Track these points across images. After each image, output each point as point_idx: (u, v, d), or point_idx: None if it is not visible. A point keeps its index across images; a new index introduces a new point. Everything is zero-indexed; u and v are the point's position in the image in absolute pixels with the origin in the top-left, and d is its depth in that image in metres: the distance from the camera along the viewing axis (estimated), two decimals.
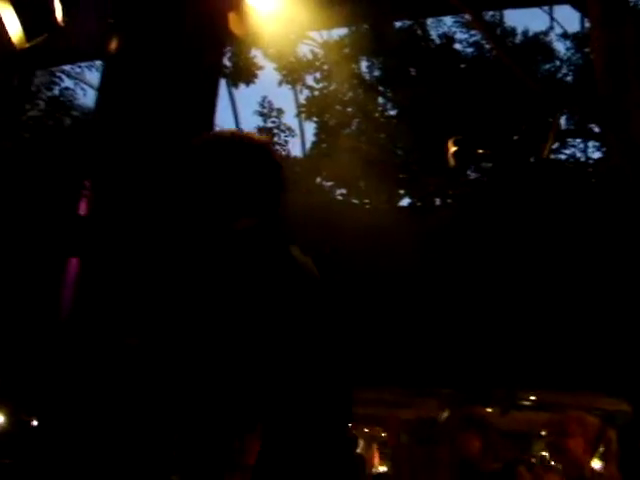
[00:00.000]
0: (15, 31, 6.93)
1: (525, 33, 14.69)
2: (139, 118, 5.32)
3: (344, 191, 13.80)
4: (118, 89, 5.53)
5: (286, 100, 16.80)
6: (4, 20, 6.84)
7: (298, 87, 12.19)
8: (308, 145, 16.26)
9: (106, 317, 4.88)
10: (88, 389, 4.45)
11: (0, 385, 15.92)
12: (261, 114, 15.47)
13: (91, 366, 4.67)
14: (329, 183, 13.54)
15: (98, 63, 15.57)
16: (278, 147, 14.96)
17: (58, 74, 15.78)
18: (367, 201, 13.62)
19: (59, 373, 4.48)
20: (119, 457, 4.44)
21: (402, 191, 13.56)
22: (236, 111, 17.30)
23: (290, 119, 16.45)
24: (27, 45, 6.99)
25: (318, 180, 13.49)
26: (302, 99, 12.43)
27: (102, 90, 6.55)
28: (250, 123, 16.06)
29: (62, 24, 6.93)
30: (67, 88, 16.06)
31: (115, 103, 5.49)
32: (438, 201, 13.83)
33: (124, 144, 5.32)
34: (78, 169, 6.39)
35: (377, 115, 12.38)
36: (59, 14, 6.95)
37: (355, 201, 13.83)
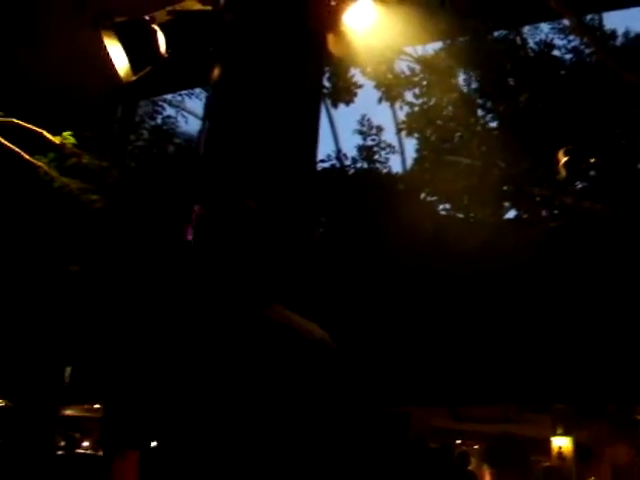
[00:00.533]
0: (122, 65, 7.14)
1: (626, 34, 14.24)
2: (245, 143, 5.36)
3: (448, 206, 13.67)
4: (223, 115, 5.60)
5: (385, 117, 16.78)
6: (112, 56, 7.07)
7: (398, 104, 12.13)
8: (409, 161, 16.20)
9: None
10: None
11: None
12: (361, 132, 15.52)
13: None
14: (433, 198, 13.43)
15: (197, 90, 15.94)
16: (379, 165, 14.99)
17: (160, 103, 16.23)
18: (472, 215, 13.43)
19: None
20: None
21: (507, 203, 13.30)
22: (335, 131, 17.42)
23: (390, 136, 16.44)
24: (134, 78, 7.19)
25: (422, 196, 13.42)
26: (402, 115, 12.38)
27: (207, 117, 6.67)
28: (349, 142, 16.12)
29: (166, 55, 7.10)
30: (169, 116, 16.50)
31: (221, 129, 5.56)
32: (545, 212, 13.51)
33: (231, 169, 5.37)
34: (185, 196, 6.52)
35: (478, 128, 12.20)
36: (163, 46, 7.13)
37: (460, 215, 13.66)
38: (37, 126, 6.01)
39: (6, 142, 6.01)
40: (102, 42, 7.24)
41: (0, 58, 6.80)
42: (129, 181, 6.20)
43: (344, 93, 10.01)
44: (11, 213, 10.92)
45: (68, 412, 17.78)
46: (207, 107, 8.91)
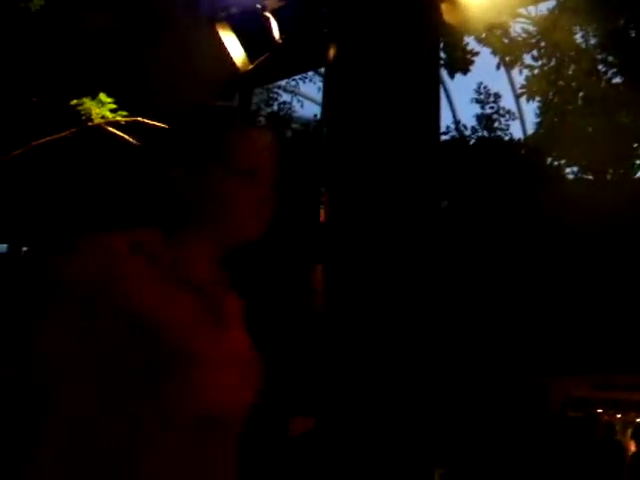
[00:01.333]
0: (239, 55, 7.25)
1: None
2: (367, 121, 5.33)
3: (576, 169, 13.26)
4: (342, 95, 5.58)
5: (502, 84, 16.40)
6: (228, 47, 7.17)
7: (516, 68, 11.80)
8: (529, 127, 15.79)
9: (354, 322, 4.93)
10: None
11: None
12: (478, 101, 15.24)
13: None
14: (560, 162, 13.04)
15: (311, 74, 15.99)
16: (500, 132, 14.70)
17: (275, 90, 16.38)
18: (601, 176, 12.98)
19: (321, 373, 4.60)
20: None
21: (638, 161, 12.76)
22: (452, 103, 17.17)
23: (508, 102, 16.07)
24: (251, 67, 7.28)
25: (548, 161, 13.06)
26: (520, 80, 12.04)
27: (326, 98, 6.69)
28: (467, 112, 15.88)
29: (280, 42, 7.16)
30: (285, 102, 16.63)
31: (340, 109, 5.55)
32: None
33: (355, 149, 5.35)
34: (314, 179, 6.59)
35: (602, 85, 11.72)
36: (276, 32, 7.19)
37: (589, 177, 13.23)
38: (160, 123, 6.16)
39: (133, 140, 6.21)
40: (217, 35, 7.36)
41: (123, 60, 7.02)
42: None
43: (460, 63, 9.81)
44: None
45: None
46: (325, 89, 8.96)
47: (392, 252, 5.09)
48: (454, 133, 15.43)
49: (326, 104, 7.16)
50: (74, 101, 5.98)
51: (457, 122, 15.70)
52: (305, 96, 17.03)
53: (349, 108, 5.43)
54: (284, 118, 16.12)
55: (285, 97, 16.64)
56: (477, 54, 9.90)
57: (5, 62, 6.02)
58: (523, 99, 12.86)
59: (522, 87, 11.75)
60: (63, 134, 6.08)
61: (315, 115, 15.89)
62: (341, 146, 5.39)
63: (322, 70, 14.01)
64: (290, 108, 16.51)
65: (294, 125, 16.11)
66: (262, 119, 15.70)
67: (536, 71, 11.40)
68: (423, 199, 5.43)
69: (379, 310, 4.88)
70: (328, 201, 5.31)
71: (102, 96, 6.01)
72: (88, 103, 6.00)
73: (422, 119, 5.50)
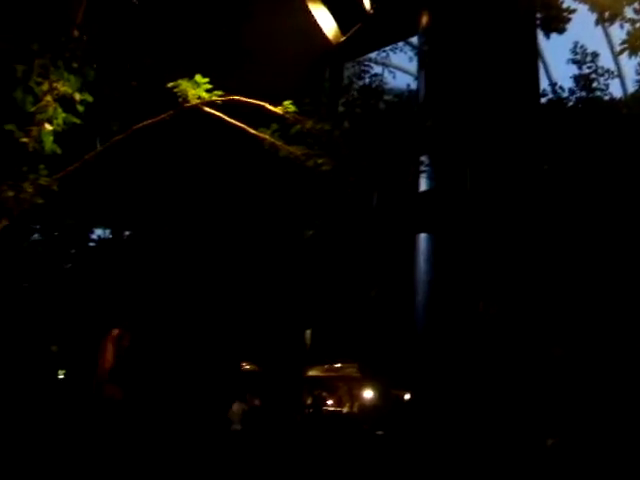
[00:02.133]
0: (330, 28, 7.20)
1: None
2: (465, 85, 5.23)
3: None
4: (438, 61, 5.49)
5: (598, 42, 15.76)
6: (320, 21, 7.13)
7: (617, 23, 11.28)
8: (629, 84, 15.14)
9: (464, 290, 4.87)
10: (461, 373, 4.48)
11: (370, 361, 16.92)
12: (575, 61, 14.67)
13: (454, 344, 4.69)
14: None
15: (400, 45, 15.76)
16: (599, 92, 14.14)
17: (366, 63, 16.23)
18: None
19: (430, 352, 4.58)
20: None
21: None
22: (546, 65, 16.63)
23: (605, 61, 15.45)
24: (343, 38, 7.23)
25: None
26: (622, 35, 11.50)
27: (422, 66, 6.59)
28: (564, 73, 15.33)
29: (371, 12, 7.08)
30: (376, 75, 16.46)
31: (437, 75, 5.46)
32: None
33: (453, 113, 5.26)
34: (410, 148, 6.51)
35: None
36: (367, 2, 7.10)
37: None
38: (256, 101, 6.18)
39: (231, 120, 6.25)
40: (308, 8, 7.32)
41: (217, 39, 7.06)
42: (350, 141, 6.23)
43: (556, 21, 9.43)
44: (241, 188, 11.44)
45: (312, 373, 18.52)
46: (420, 56, 8.83)
47: (501, 218, 5.00)
48: (551, 95, 14.95)
49: (422, 71, 7.06)
50: (170, 83, 6.06)
51: (554, 84, 15.18)
52: (396, 67, 16.80)
53: (445, 72, 5.34)
54: (376, 90, 15.94)
55: (376, 69, 16.45)
56: (574, 11, 9.50)
57: (107, 48, 6.14)
58: (623, 56, 12.31)
59: (623, 43, 11.25)
60: (161, 117, 6.17)
61: (408, 85, 15.67)
62: (441, 113, 5.31)
63: (413, 40, 13.81)
64: (382, 80, 16.31)
65: (387, 97, 15.93)
66: (354, 93, 15.60)
67: (638, 24, 10.88)
68: (525, 163, 5.30)
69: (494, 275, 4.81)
70: (430, 169, 5.26)
71: (198, 77, 6.06)
72: (184, 85, 6.07)
73: (520, 82, 5.36)
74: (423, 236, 7.41)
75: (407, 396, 12.71)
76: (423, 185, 7.53)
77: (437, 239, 7.19)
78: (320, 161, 6.11)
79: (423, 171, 6.85)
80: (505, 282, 7.75)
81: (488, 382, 7.78)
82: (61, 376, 19.11)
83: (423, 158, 6.50)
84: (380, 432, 9.76)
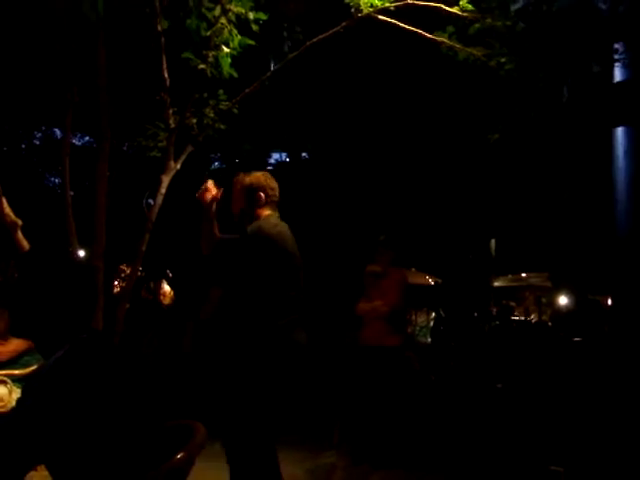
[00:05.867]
0: None
1: None
2: None
3: None
4: None
5: None
6: None
7: None
8: None
9: None
10: None
11: (562, 269, 16.44)
12: None
13: None
14: None
15: None
16: None
17: None
18: None
19: None
20: None
21: None
22: None
23: None
24: None
25: None
26: None
27: None
28: None
29: None
30: None
31: None
32: None
33: None
34: (605, 33, 6.04)
35: None
36: None
37: None
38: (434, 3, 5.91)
39: (406, 26, 6.01)
40: None
41: None
42: (533, 36, 5.84)
43: None
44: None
45: (498, 283, 18.21)
46: None
47: None
48: None
49: None
50: None
51: None
52: None
53: None
54: None
55: None
56: None
57: None
58: None
59: None
60: (335, 29, 6.02)
61: None
62: None
63: None
64: None
65: None
66: None
67: None
68: None
69: None
70: (626, 56, 4.84)
71: None
72: None
73: None
74: (621, 130, 6.93)
75: (608, 301, 12.20)
76: (618, 75, 7.01)
77: (637, 132, 6.67)
78: (503, 60, 5.78)
79: (618, 60, 6.34)
80: None
81: None
82: None
83: (617, 46, 6.02)
84: (578, 339, 9.41)
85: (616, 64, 6.55)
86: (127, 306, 5.80)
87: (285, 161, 19.45)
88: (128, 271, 7.69)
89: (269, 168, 19.21)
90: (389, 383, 6.99)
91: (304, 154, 18.51)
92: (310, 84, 12.54)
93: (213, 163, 19.09)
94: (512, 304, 18.18)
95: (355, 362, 7.29)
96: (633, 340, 7.42)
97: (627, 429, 6.83)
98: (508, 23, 5.72)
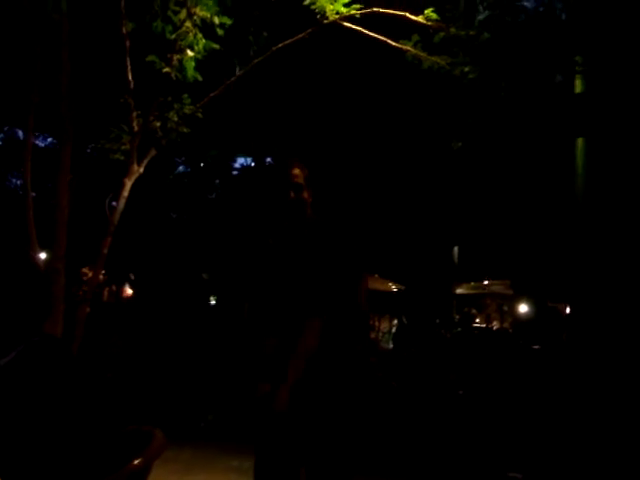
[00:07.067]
0: None
1: None
2: None
3: None
4: None
5: None
6: None
7: None
8: None
9: None
10: None
11: (523, 277, 16.61)
12: None
13: None
14: None
15: None
16: None
17: None
18: None
19: None
20: None
21: None
22: None
23: None
24: None
25: None
26: None
27: None
28: None
29: None
30: None
31: None
32: None
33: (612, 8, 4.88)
34: (566, 45, 6.14)
35: None
36: None
37: None
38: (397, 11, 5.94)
39: (371, 33, 6.04)
40: None
41: None
42: (496, 46, 5.91)
43: None
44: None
45: (460, 290, 18.37)
46: None
47: None
48: None
49: None
50: (307, 0, 5.89)
51: None
52: None
53: None
54: None
55: None
56: None
57: None
58: None
59: None
60: (300, 35, 6.03)
61: None
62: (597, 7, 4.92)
63: None
64: None
65: (526, 3, 15.10)
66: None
67: None
68: None
69: None
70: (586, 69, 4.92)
71: None
72: (321, 0, 5.87)
73: None
74: (582, 140, 7.02)
75: (567, 309, 12.37)
76: (579, 87, 7.12)
77: (596, 143, 6.77)
78: (467, 69, 5.83)
79: (578, 71, 6.43)
80: None
81: None
82: (213, 302, 19.82)
83: (577, 58, 6.11)
84: (537, 346, 9.54)
85: (577, 75, 6.66)
86: (88, 310, 5.74)
87: (250, 166, 19.42)
88: (90, 274, 7.61)
89: (234, 173, 19.16)
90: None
91: (269, 159, 18.50)
92: (276, 89, 12.54)
93: (177, 167, 19.02)
94: (474, 311, 18.34)
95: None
96: (590, 348, 7.52)
97: (584, 435, 6.92)
98: (472, 33, 5.78)
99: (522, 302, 16.82)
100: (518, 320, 16.55)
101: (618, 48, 5.20)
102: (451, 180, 14.95)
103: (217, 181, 19.40)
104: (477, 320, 18.85)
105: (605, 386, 7.16)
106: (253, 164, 19.14)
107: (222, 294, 18.49)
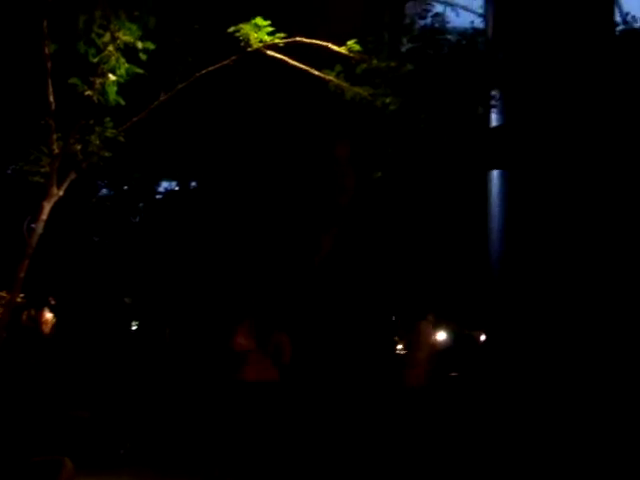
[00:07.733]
0: None
1: None
2: (534, 16, 5.03)
3: None
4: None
5: None
6: None
7: None
8: None
9: None
10: None
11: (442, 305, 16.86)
12: None
13: None
14: None
15: None
16: None
17: (428, 2, 15.76)
18: None
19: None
20: None
21: None
22: None
23: None
24: None
25: None
26: None
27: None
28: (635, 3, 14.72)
29: None
30: (438, 14, 15.97)
31: (508, 7, 5.25)
32: None
33: (526, 47, 5.07)
34: (477, 85, 6.32)
35: None
36: None
37: None
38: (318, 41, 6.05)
39: (294, 62, 6.13)
40: None
41: None
42: (417, 78, 6.07)
43: None
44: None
45: None
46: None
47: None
48: (622, 26, 14.36)
49: (490, 4, 6.83)
50: (232, 28, 5.95)
51: (625, 14, 14.60)
52: (459, 5, 16.31)
53: (516, 6, 5.13)
54: (439, 30, 15.51)
55: (438, 8, 15.98)
56: None
57: None
58: None
59: None
60: (224, 62, 6.08)
61: (472, 22, 15.19)
62: (511, 45, 5.12)
63: None
64: (444, 19, 15.84)
65: (449, 36, 15.49)
66: (416, 33, 15.22)
67: None
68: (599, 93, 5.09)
69: None
70: (501, 104, 5.08)
71: (258, 20, 5.92)
72: (246, 28, 5.94)
73: (595, 13, 5.12)
74: (496, 173, 7.23)
75: (482, 337, 12.62)
76: (494, 121, 7.34)
77: (511, 176, 6.99)
78: (388, 100, 5.98)
79: (494, 106, 6.65)
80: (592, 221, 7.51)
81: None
82: (134, 327, 19.56)
83: (494, 92, 6.31)
84: (454, 374, 9.70)
85: (493, 109, 6.87)
86: (4, 335, 5.62)
87: (174, 190, 19.26)
88: (7, 297, 7.44)
89: (158, 197, 19.00)
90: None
91: (193, 183, 18.38)
92: (200, 114, 12.54)
93: (100, 190, 18.76)
94: (395, 338, 18.50)
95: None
96: (504, 373, 7.72)
97: (502, 460, 7.07)
98: (392, 64, 5.92)
99: (439, 329, 17.07)
100: (436, 347, 16.76)
101: (534, 84, 5.41)
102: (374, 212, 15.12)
103: (141, 204, 19.21)
104: (399, 347, 19.04)
105: (518, 406, 7.34)
106: (177, 188, 19.00)
107: (144, 319, 18.26)
